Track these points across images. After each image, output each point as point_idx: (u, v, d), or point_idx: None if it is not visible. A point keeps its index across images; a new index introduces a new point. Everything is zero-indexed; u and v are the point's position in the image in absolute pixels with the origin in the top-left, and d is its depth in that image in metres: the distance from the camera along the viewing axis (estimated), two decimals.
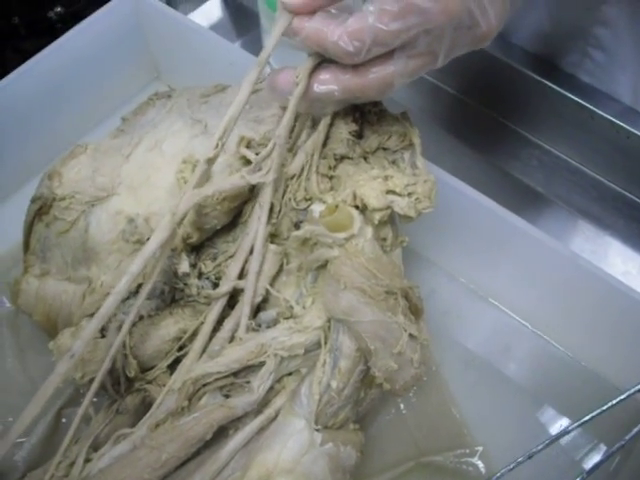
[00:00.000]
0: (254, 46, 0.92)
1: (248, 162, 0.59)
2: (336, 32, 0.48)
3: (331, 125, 0.59)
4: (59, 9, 1.05)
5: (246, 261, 0.57)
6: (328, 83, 0.52)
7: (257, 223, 0.56)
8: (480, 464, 0.64)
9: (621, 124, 0.76)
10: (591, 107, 0.78)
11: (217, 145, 0.53)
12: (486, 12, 0.50)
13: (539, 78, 0.80)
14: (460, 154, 0.85)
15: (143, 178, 0.63)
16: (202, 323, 0.59)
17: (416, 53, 0.50)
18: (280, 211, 0.59)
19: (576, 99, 0.78)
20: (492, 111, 0.88)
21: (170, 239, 0.54)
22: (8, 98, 0.74)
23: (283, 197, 0.59)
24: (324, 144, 0.59)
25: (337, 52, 0.49)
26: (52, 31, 0.89)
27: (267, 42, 0.53)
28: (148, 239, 0.54)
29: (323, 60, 0.53)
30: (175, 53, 0.84)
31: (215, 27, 0.97)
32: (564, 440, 0.65)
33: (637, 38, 0.75)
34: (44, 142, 0.78)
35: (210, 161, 0.54)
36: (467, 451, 0.64)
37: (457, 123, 0.88)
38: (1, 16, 1.11)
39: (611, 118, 0.77)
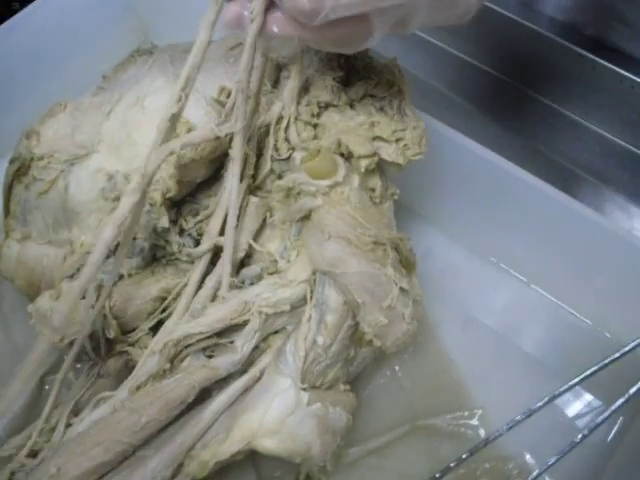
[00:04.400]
0: None
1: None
2: None
3: (315, 71, 0.57)
4: None
5: (226, 217, 0.55)
6: (285, 26, 0.46)
7: (231, 175, 0.53)
8: (479, 426, 0.61)
9: (625, 73, 0.73)
10: (593, 57, 0.75)
11: (180, 98, 0.49)
12: None
13: (540, 29, 0.77)
14: (457, 108, 0.82)
15: (124, 135, 0.61)
16: (185, 284, 0.57)
17: (383, 21, 0.45)
18: (258, 164, 0.56)
19: (577, 49, 0.76)
20: (491, 67, 0.85)
21: (141, 201, 0.51)
22: None
23: (262, 149, 0.56)
24: (307, 91, 0.56)
25: (291, 6, 0.43)
26: None
27: None
28: None
29: None
30: (162, 14, 0.82)
31: None
32: (566, 402, 0.63)
33: None
34: (28, 108, 0.75)
35: (174, 116, 0.50)
36: (465, 413, 0.62)
37: (457, 79, 0.86)
38: (1, 2, 1.10)
39: (615, 68, 0.74)
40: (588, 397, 0.64)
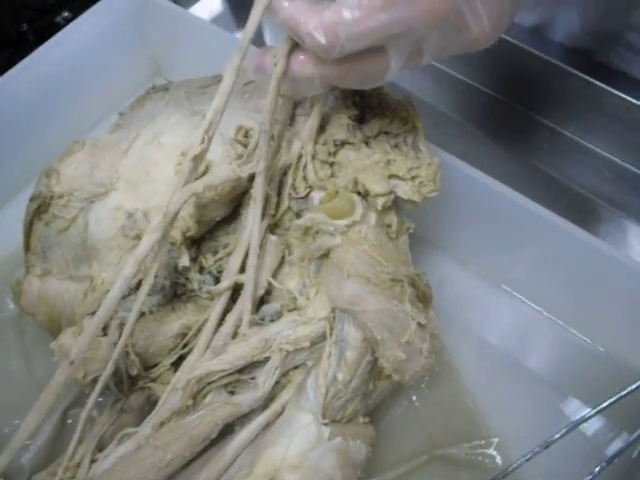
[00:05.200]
0: (255, 37, 0.90)
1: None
2: (311, 22, 0.44)
3: (330, 109, 0.58)
4: (67, 14, 1.04)
5: (246, 255, 0.56)
6: (307, 66, 0.48)
7: (252, 216, 0.54)
8: (496, 455, 0.62)
9: (633, 101, 0.74)
10: (601, 84, 0.76)
11: (203, 139, 0.51)
12: (479, 15, 0.47)
13: (547, 57, 0.78)
14: (468, 138, 0.83)
15: (142, 172, 0.62)
16: (206, 320, 0.58)
17: (398, 51, 0.46)
18: (278, 203, 0.57)
19: (585, 77, 0.76)
20: (498, 93, 0.86)
21: (163, 240, 0.52)
22: (5, 98, 0.73)
23: (280, 188, 0.57)
24: (323, 129, 0.57)
25: (311, 44, 0.45)
26: None
27: (247, 24, 0.50)
28: None
29: None
30: (175, 47, 0.83)
31: (216, 19, 0.96)
32: (584, 428, 0.64)
33: None
34: (44, 142, 0.77)
35: (197, 158, 0.51)
36: (482, 442, 0.62)
37: (463, 107, 0.86)
38: (10, 23, 1.11)
39: (623, 95, 0.75)
40: (606, 422, 0.64)
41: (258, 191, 0.53)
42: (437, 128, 0.66)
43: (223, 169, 0.54)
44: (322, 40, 0.44)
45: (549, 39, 0.81)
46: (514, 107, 0.85)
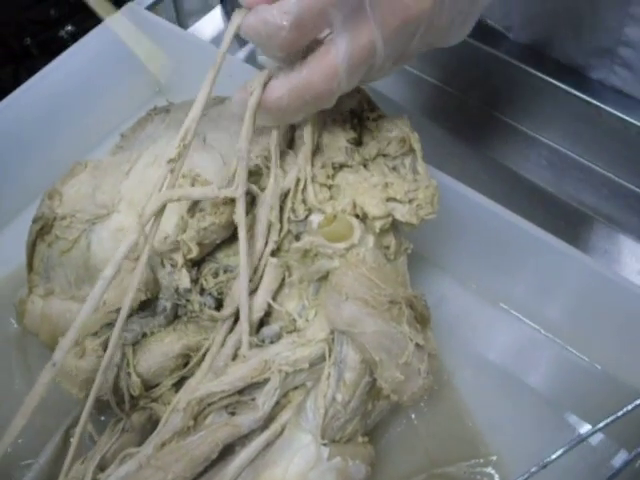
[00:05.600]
0: (250, 58, 0.92)
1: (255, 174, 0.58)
2: (268, 11, 0.47)
3: (328, 132, 0.58)
4: (70, 28, 1.05)
5: (250, 280, 0.57)
6: (278, 88, 0.51)
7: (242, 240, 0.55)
8: (494, 474, 0.62)
9: (630, 120, 0.75)
10: (598, 104, 0.76)
11: (179, 145, 0.52)
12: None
13: (544, 76, 0.79)
14: (467, 157, 0.83)
15: (143, 194, 0.62)
16: (210, 344, 0.58)
17: (356, 41, 0.48)
18: (281, 229, 0.58)
19: (583, 96, 0.77)
20: (497, 111, 0.87)
21: (143, 243, 0.53)
22: (6, 121, 0.74)
23: (282, 214, 0.58)
24: (322, 152, 0.58)
25: (270, 30, 0.47)
26: (64, 50, 0.90)
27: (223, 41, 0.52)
28: None
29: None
30: (175, 67, 0.84)
31: (216, 40, 0.97)
32: (583, 446, 0.63)
33: None
34: (45, 162, 0.77)
35: (172, 161, 0.53)
36: (481, 461, 0.63)
37: (462, 125, 0.87)
38: (14, 38, 1.12)
39: (619, 114, 0.75)
40: (604, 440, 0.65)
41: (240, 215, 0.54)
42: (437, 147, 0.66)
43: (205, 187, 0.56)
44: (278, 20, 0.46)
45: (546, 56, 0.82)
46: (509, 124, 0.86)
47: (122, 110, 0.86)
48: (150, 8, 0.87)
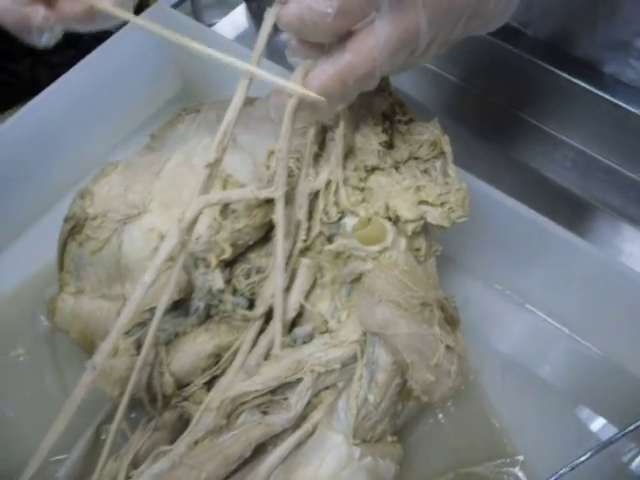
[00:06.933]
0: (280, 56, 0.91)
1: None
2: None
3: (360, 136, 0.59)
4: None
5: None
6: (320, 75, 0.50)
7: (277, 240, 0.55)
8: (521, 474, 0.63)
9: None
10: (625, 106, 0.76)
11: (217, 149, 0.53)
12: None
13: (570, 77, 0.79)
14: (490, 157, 0.84)
15: (174, 194, 0.63)
16: (241, 343, 0.59)
17: (400, 23, 0.47)
18: (309, 227, 0.58)
19: (608, 97, 0.77)
20: (524, 113, 0.87)
21: (180, 247, 0.53)
22: (37, 119, 0.74)
23: (310, 214, 0.58)
24: (354, 155, 0.59)
25: (315, 17, 0.46)
26: (80, 43, 0.90)
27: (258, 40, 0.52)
28: None
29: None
30: (201, 66, 0.84)
31: (240, 37, 0.97)
32: (610, 448, 0.64)
33: None
34: (74, 160, 0.78)
35: (211, 166, 0.53)
36: (507, 460, 0.63)
37: (484, 125, 0.87)
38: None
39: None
40: (631, 440, 0.65)
41: (279, 216, 0.54)
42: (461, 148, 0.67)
43: (243, 189, 0.56)
44: (322, 7, 0.45)
45: (565, 53, 0.82)
46: (533, 124, 0.87)
47: (148, 109, 0.86)
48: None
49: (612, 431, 0.61)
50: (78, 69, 0.76)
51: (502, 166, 0.83)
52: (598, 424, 0.67)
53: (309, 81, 0.50)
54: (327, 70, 0.49)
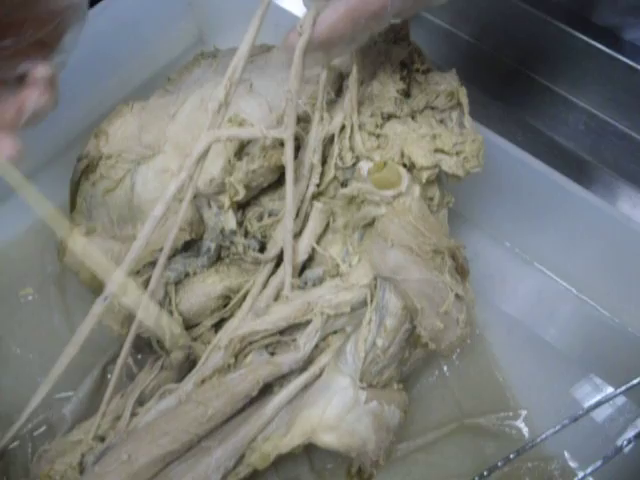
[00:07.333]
0: (300, 7, 0.91)
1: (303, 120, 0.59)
2: None
3: (378, 83, 0.59)
4: None
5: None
6: (331, 15, 0.49)
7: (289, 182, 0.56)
8: (523, 427, 0.63)
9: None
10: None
11: (226, 86, 0.53)
12: None
13: (588, 39, 0.78)
14: (503, 118, 0.83)
15: (189, 137, 0.63)
16: (251, 285, 0.59)
17: None
18: (322, 172, 0.58)
19: (626, 60, 0.77)
20: (537, 74, 0.86)
21: (189, 180, 0.54)
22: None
23: (324, 159, 0.58)
24: (371, 102, 0.58)
25: None
26: None
27: None
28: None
29: None
30: (218, 15, 0.84)
31: None
32: (610, 407, 0.65)
33: None
34: (89, 105, 0.78)
35: (220, 102, 0.53)
36: (510, 414, 0.64)
37: (500, 86, 0.86)
38: None
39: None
40: (629, 401, 0.66)
41: (288, 156, 0.55)
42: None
43: (253, 128, 0.56)
44: None
45: (584, 17, 0.81)
46: (545, 85, 0.86)
47: (165, 56, 0.86)
48: None
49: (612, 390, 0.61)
50: (92, 13, 0.75)
51: (513, 127, 0.82)
52: (601, 386, 0.67)
53: (320, 20, 0.50)
54: (338, 8, 0.49)
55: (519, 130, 0.83)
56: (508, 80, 0.87)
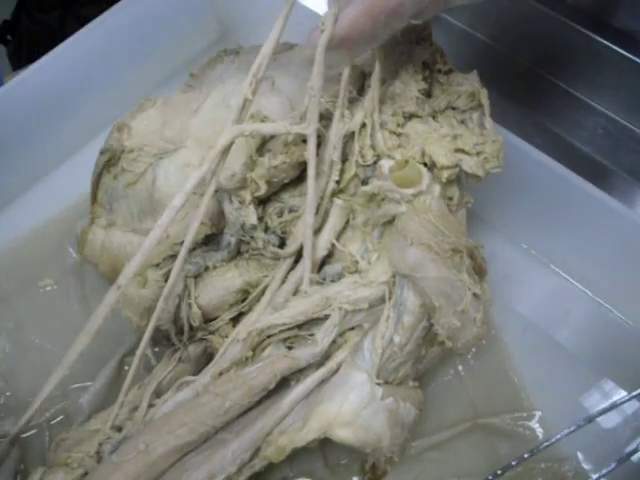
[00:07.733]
0: (322, 5, 0.91)
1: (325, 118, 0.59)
2: None
3: (400, 82, 0.59)
4: None
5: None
6: (352, 12, 0.50)
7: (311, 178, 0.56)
8: (537, 428, 0.64)
9: None
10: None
11: (251, 82, 0.53)
12: None
13: (607, 43, 0.78)
14: (521, 121, 0.83)
15: (211, 132, 0.63)
16: (271, 280, 0.60)
17: None
18: (342, 169, 0.59)
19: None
20: (555, 77, 0.86)
21: (212, 175, 0.54)
22: (73, 57, 0.74)
23: (345, 156, 0.59)
24: (393, 101, 0.59)
25: None
26: None
27: None
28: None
29: None
30: (239, 13, 0.85)
31: None
32: (624, 409, 0.65)
33: None
34: (110, 99, 0.79)
35: (247, 100, 0.54)
36: (524, 414, 0.64)
37: (517, 89, 0.86)
38: None
39: None
40: None
41: (310, 152, 0.55)
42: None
43: (276, 123, 0.57)
44: None
45: (603, 21, 0.81)
46: (563, 88, 0.86)
47: (186, 53, 0.86)
48: None
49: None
50: (116, 8, 0.76)
51: (531, 130, 0.83)
52: (616, 388, 0.67)
53: (340, 18, 0.51)
54: (358, 5, 0.50)
55: (537, 133, 0.83)
56: (526, 83, 0.88)
